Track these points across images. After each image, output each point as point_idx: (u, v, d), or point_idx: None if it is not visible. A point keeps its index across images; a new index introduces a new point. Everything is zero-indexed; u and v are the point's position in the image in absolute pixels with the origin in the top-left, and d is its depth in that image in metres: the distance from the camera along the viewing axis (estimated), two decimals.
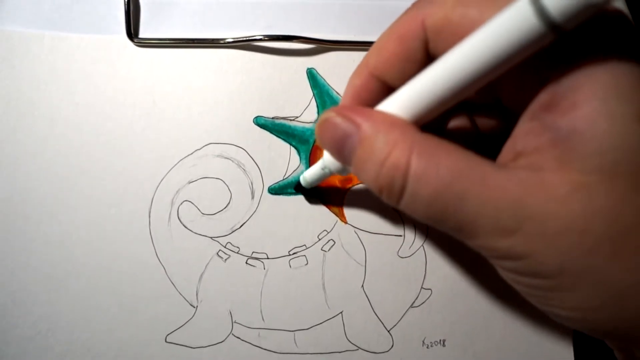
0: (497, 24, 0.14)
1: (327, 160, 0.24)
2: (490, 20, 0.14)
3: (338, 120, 0.18)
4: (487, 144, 0.21)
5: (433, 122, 0.18)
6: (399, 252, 0.31)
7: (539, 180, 0.15)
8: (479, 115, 0.23)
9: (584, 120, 0.14)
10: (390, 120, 0.17)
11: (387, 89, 0.20)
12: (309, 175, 0.28)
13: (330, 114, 0.19)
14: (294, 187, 0.30)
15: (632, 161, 0.14)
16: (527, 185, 0.15)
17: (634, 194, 0.14)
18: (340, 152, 0.19)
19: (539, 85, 0.16)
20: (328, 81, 0.31)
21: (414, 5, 0.18)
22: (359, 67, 0.20)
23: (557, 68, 0.15)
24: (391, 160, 0.16)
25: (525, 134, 0.16)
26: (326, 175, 0.26)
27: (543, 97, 0.16)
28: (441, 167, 0.16)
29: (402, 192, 0.17)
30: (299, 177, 0.30)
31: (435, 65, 0.16)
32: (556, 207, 0.14)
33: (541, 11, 0.13)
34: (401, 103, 0.18)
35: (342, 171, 0.23)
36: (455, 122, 0.23)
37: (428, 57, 0.18)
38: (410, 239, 0.31)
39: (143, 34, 0.31)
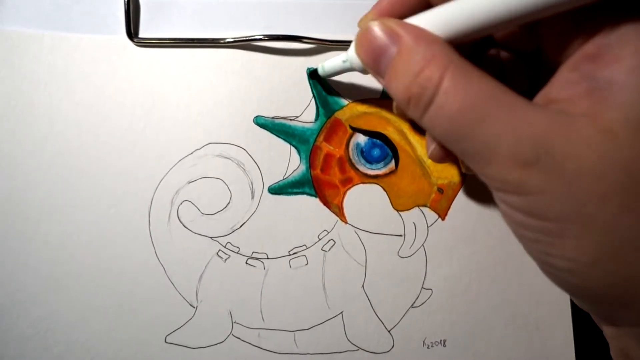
0: None
1: (351, 55, 0.23)
2: None
3: (379, 31, 0.19)
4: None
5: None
6: (399, 252, 0.31)
7: (567, 120, 0.15)
8: (512, 67, 0.23)
9: (623, 73, 0.14)
10: (431, 37, 0.18)
11: (426, 3, 0.20)
12: (328, 65, 0.28)
13: (373, 23, 0.19)
14: (309, 73, 0.30)
15: None
16: (554, 122, 0.15)
17: None
18: (376, 62, 0.19)
19: (585, 38, 0.16)
20: (328, 81, 0.31)
21: None
22: None
23: (607, 22, 0.15)
24: (426, 72, 0.17)
25: (562, 83, 0.16)
26: (345, 68, 0.26)
27: (588, 48, 0.16)
28: (472, 87, 0.16)
29: (429, 104, 0.17)
30: (299, 177, 0.30)
31: None
32: (579, 148, 0.14)
33: None
34: (440, 21, 0.18)
35: (363, 70, 0.23)
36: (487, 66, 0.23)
37: None
38: (411, 239, 0.31)
39: (143, 33, 0.31)
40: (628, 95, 0.14)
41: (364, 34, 0.20)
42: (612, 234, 0.15)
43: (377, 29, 0.19)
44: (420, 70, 0.17)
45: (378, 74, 0.19)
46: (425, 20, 0.19)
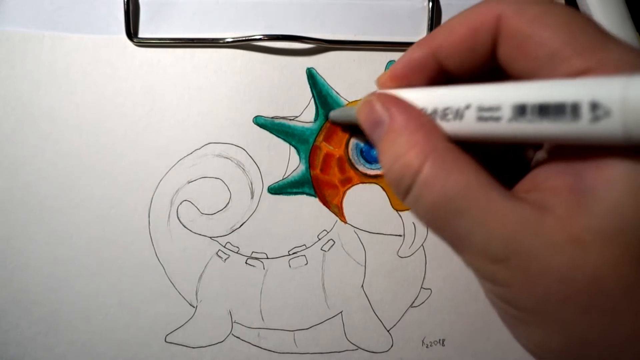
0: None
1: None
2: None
3: (377, 105, 0.19)
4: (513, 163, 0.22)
5: None
6: (399, 252, 0.31)
7: (539, 220, 0.15)
8: None
9: (606, 181, 0.14)
10: (422, 122, 0.18)
11: (442, 72, 0.20)
12: (337, 114, 0.29)
13: (373, 97, 0.20)
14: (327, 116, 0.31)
15: (635, 236, 0.14)
16: (526, 222, 0.15)
17: (624, 263, 0.14)
18: (371, 132, 0.20)
19: None
20: (328, 81, 0.31)
21: (494, 0, 0.18)
22: (423, 40, 0.20)
23: None
24: (407, 158, 0.17)
25: (550, 169, 0.17)
26: (353, 120, 0.26)
27: None
28: (449, 180, 0.16)
29: (407, 191, 0.17)
30: (298, 177, 0.30)
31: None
32: (547, 251, 0.15)
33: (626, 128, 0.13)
34: (440, 101, 0.18)
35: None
36: None
37: (493, 55, 0.18)
38: (410, 239, 0.31)
39: (143, 33, 0.31)
40: (605, 208, 0.14)
41: (364, 104, 0.20)
42: (572, 332, 0.15)
43: (375, 102, 0.20)
44: (401, 154, 0.17)
45: (373, 142, 0.20)
46: (427, 97, 0.19)
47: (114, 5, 0.31)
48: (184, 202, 0.30)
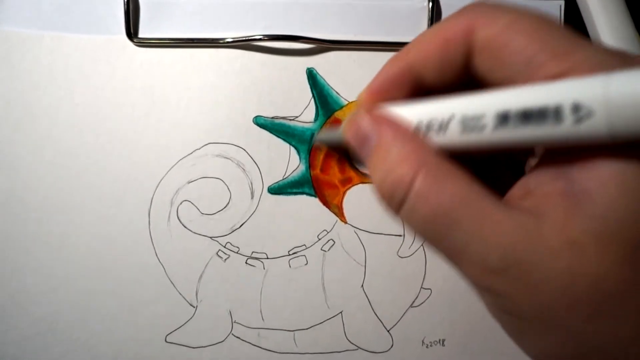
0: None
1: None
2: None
3: (364, 122, 0.19)
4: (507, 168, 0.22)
5: None
6: (399, 252, 0.31)
7: (536, 227, 0.15)
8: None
9: (598, 182, 0.14)
10: (410, 135, 0.18)
11: (420, 85, 0.20)
12: (323, 137, 0.29)
13: (358, 114, 0.20)
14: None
15: (631, 235, 0.14)
16: (522, 230, 0.15)
17: (623, 265, 0.14)
18: (359, 149, 0.20)
19: None
20: (328, 81, 0.31)
21: (464, 11, 0.18)
22: (398, 55, 0.20)
23: None
24: (398, 172, 0.17)
25: (541, 175, 0.16)
26: (338, 141, 0.27)
27: None
28: (443, 193, 0.16)
29: (401, 204, 0.17)
30: (298, 177, 0.30)
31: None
32: (546, 258, 0.15)
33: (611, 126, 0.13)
34: (425, 113, 0.18)
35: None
36: None
37: (468, 68, 0.19)
38: (410, 239, 0.31)
39: (142, 33, 0.31)
40: (600, 210, 0.14)
41: (350, 121, 0.20)
42: (578, 338, 0.15)
43: (363, 116, 0.19)
44: (393, 168, 0.17)
45: (361, 159, 0.20)
46: (409, 111, 0.19)
47: (114, 5, 0.31)
48: (184, 202, 0.30)
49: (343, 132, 0.21)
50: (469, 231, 0.16)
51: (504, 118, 0.15)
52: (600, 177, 0.14)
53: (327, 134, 0.29)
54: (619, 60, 0.15)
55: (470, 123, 0.16)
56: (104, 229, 0.30)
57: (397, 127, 0.18)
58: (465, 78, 0.19)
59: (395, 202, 0.17)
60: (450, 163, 0.17)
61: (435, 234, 0.17)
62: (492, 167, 0.22)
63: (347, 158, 0.31)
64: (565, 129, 0.14)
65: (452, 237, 0.16)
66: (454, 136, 0.17)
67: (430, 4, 0.30)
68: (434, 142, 0.18)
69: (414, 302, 0.31)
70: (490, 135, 0.16)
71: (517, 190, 0.17)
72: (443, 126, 0.17)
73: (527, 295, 0.15)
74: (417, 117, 0.18)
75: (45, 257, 0.30)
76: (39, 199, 0.30)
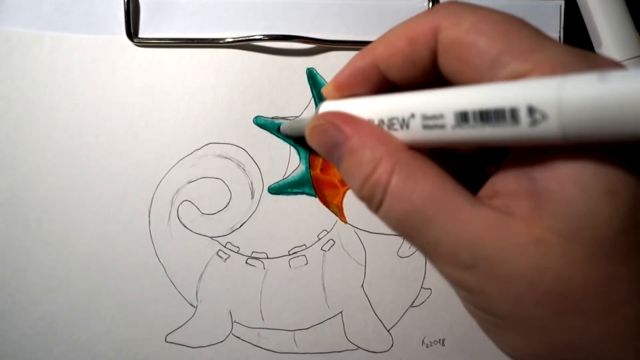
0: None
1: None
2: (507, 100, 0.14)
3: (329, 127, 0.19)
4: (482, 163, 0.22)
5: None
6: (399, 251, 0.31)
7: (504, 224, 0.15)
8: None
9: (558, 182, 0.15)
10: (378, 134, 0.18)
11: (386, 81, 0.20)
12: (287, 127, 0.29)
13: (319, 121, 0.20)
14: (277, 129, 0.31)
15: (592, 232, 0.14)
16: (491, 227, 0.15)
17: (588, 261, 0.15)
18: (329, 157, 0.20)
19: None
20: (328, 81, 0.31)
21: (432, 10, 0.19)
22: (365, 50, 0.20)
23: None
24: (375, 176, 0.17)
25: (507, 175, 0.17)
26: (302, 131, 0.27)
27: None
28: (416, 191, 0.16)
29: (379, 205, 0.18)
30: (298, 177, 0.30)
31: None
32: (513, 254, 0.15)
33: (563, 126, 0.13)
34: (391, 110, 0.18)
35: None
36: None
37: (434, 66, 0.19)
38: None
39: (143, 33, 0.31)
40: (563, 209, 0.14)
41: (312, 130, 0.20)
42: (548, 335, 0.15)
43: (325, 125, 0.19)
44: (369, 173, 0.18)
45: (333, 164, 0.20)
46: (372, 108, 0.19)
47: (114, 5, 0.31)
48: (184, 202, 0.30)
49: (309, 138, 0.21)
50: (440, 228, 0.16)
51: (463, 117, 0.15)
52: (560, 177, 0.15)
53: (292, 125, 0.28)
54: (581, 60, 0.15)
55: (430, 122, 0.16)
56: (104, 229, 0.30)
57: (364, 129, 0.18)
58: (433, 75, 0.19)
59: (375, 203, 0.18)
60: (423, 159, 0.17)
61: (410, 231, 0.17)
62: (465, 164, 0.22)
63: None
64: (521, 130, 0.14)
65: (425, 234, 0.16)
66: (416, 133, 0.17)
67: (430, 4, 0.31)
68: (400, 139, 0.18)
69: (414, 302, 0.31)
70: (451, 133, 0.16)
71: (486, 189, 0.18)
72: (405, 123, 0.17)
73: (496, 291, 0.16)
74: (379, 113, 0.18)
75: (45, 257, 0.30)
76: (39, 199, 0.30)
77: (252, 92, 0.31)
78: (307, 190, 0.31)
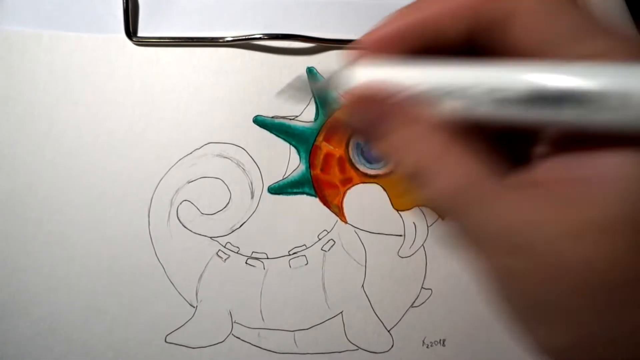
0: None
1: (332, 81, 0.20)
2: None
3: (373, 101, 0.18)
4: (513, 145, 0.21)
5: None
6: (399, 252, 0.31)
7: (556, 209, 0.15)
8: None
9: (613, 169, 0.14)
10: (427, 115, 0.17)
11: (427, 45, 0.18)
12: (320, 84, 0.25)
13: (365, 90, 0.18)
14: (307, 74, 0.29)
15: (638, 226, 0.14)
16: (538, 213, 0.15)
17: (627, 255, 0.14)
18: (370, 132, 0.19)
19: None
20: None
21: None
22: (412, 6, 0.19)
23: None
24: (418, 152, 0.17)
25: (556, 158, 0.16)
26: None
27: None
28: (461, 171, 0.16)
29: (423, 184, 0.17)
30: (298, 177, 0.30)
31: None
32: (565, 240, 0.14)
33: None
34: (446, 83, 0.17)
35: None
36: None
37: (486, 32, 0.17)
38: (411, 239, 0.31)
39: (142, 32, 0.31)
40: (619, 192, 0.14)
41: (357, 99, 0.18)
42: (583, 325, 0.15)
43: (370, 95, 0.18)
44: (412, 149, 0.17)
45: (372, 140, 0.19)
46: (429, 76, 0.17)
47: (113, 4, 0.31)
48: (184, 202, 0.30)
49: (349, 112, 0.19)
50: (485, 210, 0.15)
51: (539, 97, 0.14)
52: (616, 165, 0.14)
53: (322, 84, 0.24)
54: None
55: (499, 94, 0.15)
56: (104, 229, 0.30)
57: (411, 105, 0.17)
58: (466, 44, 0.18)
59: (419, 183, 0.17)
60: (468, 141, 0.16)
61: (454, 213, 0.16)
62: (503, 144, 0.21)
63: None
64: (605, 116, 0.13)
65: (469, 217, 0.16)
66: (478, 108, 0.16)
67: None
68: (451, 113, 0.16)
69: (414, 302, 0.30)
70: (519, 112, 0.15)
71: (532, 171, 0.17)
72: (466, 96, 0.16)
73: (545, 278, 0.15)
74: (438, 83, 0.17)
75: (45, 257, 0.30)
76: (39, 199, 0.30)
77: (252, 92, 0.31)
78: (307, 190, 0.31)
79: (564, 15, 0.16)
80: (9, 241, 0.30)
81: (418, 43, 0.18)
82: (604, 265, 0.14)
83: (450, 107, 0.16)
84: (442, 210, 0.17)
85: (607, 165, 0.14)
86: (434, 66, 0.17)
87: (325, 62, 0.31)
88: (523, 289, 0.16)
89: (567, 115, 0.14)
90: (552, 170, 0.16)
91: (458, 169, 0.16)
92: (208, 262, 0.30)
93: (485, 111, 0.16)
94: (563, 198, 0.15)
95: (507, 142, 0.22)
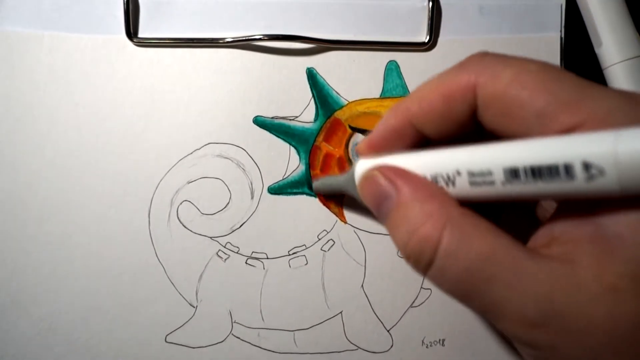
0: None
1: (347, 182, 0.24)
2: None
3: (381, 179, 0.19)
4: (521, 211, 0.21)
5: None
6: (399, 252, 0.31)
7: (571, 275, 0.15)
8: None
9: (629, 226, 0.14)
10: (431, 190, 0.17)
11: (422, 137, 0.20)
12: (320, 185, 0.29)
13: (374, 172, 0.19)
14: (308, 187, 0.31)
15: None
16: (557, 279, 0.15)
17: None
18: (377, 210, 0.19)
19: None
20: (328, 81, 0.31)
21: (465, 64, 0.18)
22: (397, 107, 0.20)
23: None
24: (423, 231, 0.16)
25: (566, 220, 0.16)
26: (337, 189, 0.27)
27: None
28: (473, 248, 0.16)
29: (429, 265, 0.17)
30: (298, 177, 0.30)
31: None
32: (586, 305, 0.14)
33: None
34: (438, 165, 0.18)
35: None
36: None
37: (472, 119, 0.18)
38: None
39: (142, 33, 0.31)
40: (635, 253, 0.14)
41: (366, 180, 0.20)
42: None
43: (378, 176, 0.19)
44: (417, 227, 0.17)
45: (380, 218, 0.20)
46: (416, 164, 0.18)
47: (113, 5, 0.31)
48: (184, 202, 0.30)
49: (360, 189, 0.20)
50: (504, 285, 0.15)
51: (513, 174, 0.15)
52: (631, 221, 0.14)
53: (325, 182, 0.29)
54: (632, 106, 0.14)
55: (478, 179, 0.16)
56: (104, 229, 0.30)
57: (417, 183, 0.18)
58: (470, 128, 0.18)
59: (423, 263, 0.17)
60: (475, 216, 0.16)
61: (470, 292, 0.16)
62: (507, 214, 0.21)
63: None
64: (577, 185, 0.14)
65: (488, 294, 0.16)
66: (462, 190, 0.16)
67: (430, 4, 0.30)
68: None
69: (414, 302, 0.31)
70: (500, 189, 0.15)
71: (540, 237, 0.17)
72: (451, 180, 0.17)
73: (571, 345, 0.15)
74: (422, 170, 0.18)
75: (45, 257, 0.30)
76: (39, 199, 0.30)
77: (252, 92, 0.31)
78: (307, 190, 0.31)
79: (537, 95, 0.16)
80: (9, 241, 0.30)
81: (408, 138, 0.20)
82: (632, 321, 0.14)
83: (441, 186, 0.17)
84: (451, 291, 0.17)
85: (623, 223, 0.14)
86: (412, 156, 0.19)
87: (325, 62, 0.31)
88: (551, 358, 0.16)
89: (543, 187, 0.14)
90: (565, 232, 0.16)
91: (470, 244, 0.16)
92: (208, 262, 0.30)
93: (467, 191, 0.16)
94: (578, 260, 0.15)
95: (505, 213, 0.22)
